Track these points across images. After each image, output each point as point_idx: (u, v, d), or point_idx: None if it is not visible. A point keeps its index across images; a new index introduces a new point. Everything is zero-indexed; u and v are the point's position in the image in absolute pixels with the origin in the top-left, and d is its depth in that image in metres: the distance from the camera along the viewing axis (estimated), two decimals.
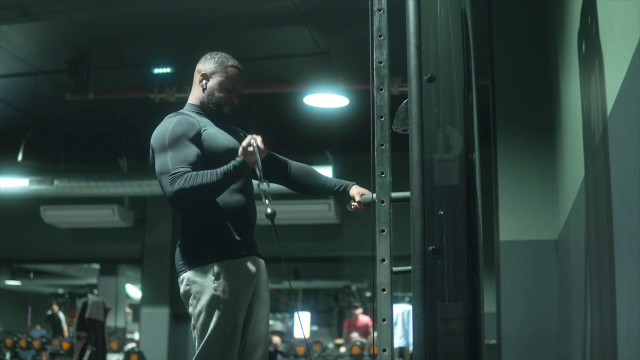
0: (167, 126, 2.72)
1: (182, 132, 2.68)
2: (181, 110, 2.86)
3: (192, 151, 2.66)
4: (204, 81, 2.86)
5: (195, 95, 2.89)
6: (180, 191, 2.58)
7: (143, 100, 7.70)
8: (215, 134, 2.77)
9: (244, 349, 2.74)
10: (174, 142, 2.67)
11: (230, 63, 2.86)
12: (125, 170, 10.08)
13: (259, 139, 2.68)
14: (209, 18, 6.61)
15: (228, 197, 2.73)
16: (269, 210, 2.62)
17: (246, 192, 2.81)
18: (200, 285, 2.66)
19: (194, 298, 2.67)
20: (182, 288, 2.72)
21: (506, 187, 4.80)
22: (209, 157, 2.71)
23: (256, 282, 2.76)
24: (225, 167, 2.64)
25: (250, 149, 2.65)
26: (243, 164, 2.66)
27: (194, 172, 2.61)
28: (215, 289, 2.64)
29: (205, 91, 2.85)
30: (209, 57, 2.89)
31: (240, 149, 2.66)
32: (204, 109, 2.86)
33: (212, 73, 2.85)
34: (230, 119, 2.92)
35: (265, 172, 3.00)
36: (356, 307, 11.72)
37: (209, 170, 2.62)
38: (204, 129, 2.75)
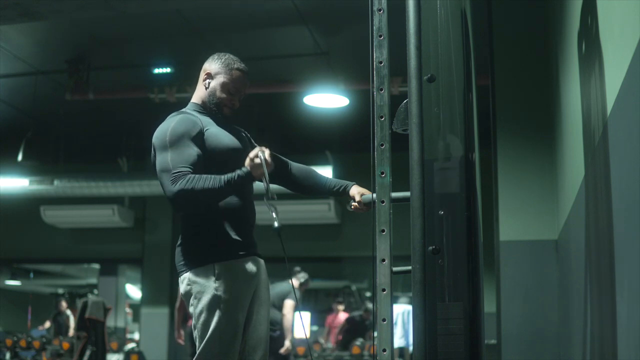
0: (168, 125, 2.72)
1: (184, 131, 2.68)
2: (183, 110, 2.86)
3: (193, 151, 2.65)
4: (208, 80, 2.86)
5: (198, 94, 2.89)
6: (181, 192, 2.56)
7: (143, 100, 7.70)
8: (218, 134, 2.77)
9: (245, 349, 2.74)
10: (176, 140, 2.66)
11: (236, 66, 2.85)
12: (125, 170, 10.08)
13: (267, 151, 2.65)
14: (209, 18, 6.61)
15: (228, 198, 2.73)
16: (276, 225, 2.61)
17: (246, 192, 2.81)
18: (202, 286, 2.66)
19: (195, 298, 2.68)
20: (182, 288, 2.72)
21: (506, 187, 4.80)
22: (211, 156, 2.71)
23: (257, 282, 2.76)
24: (229, 175, 2.61)
25: (257, 160, 2.61)
26: (248, 175, 2.62)
27: (197, 175, 2.58)
28: (216, 289, 2.65)
29: (208, 90, 2.86)
30: (216, 57, 2.89)
31: (248, 160, 2.63)
32: (205, 108, 2.86)
33: (217, 73, 2.85)
34: (232, 118, 2.92)
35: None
36: (340, 303, 11.68)
37: (213, 176, 2.59)
38: (206, 128, 2.75)
